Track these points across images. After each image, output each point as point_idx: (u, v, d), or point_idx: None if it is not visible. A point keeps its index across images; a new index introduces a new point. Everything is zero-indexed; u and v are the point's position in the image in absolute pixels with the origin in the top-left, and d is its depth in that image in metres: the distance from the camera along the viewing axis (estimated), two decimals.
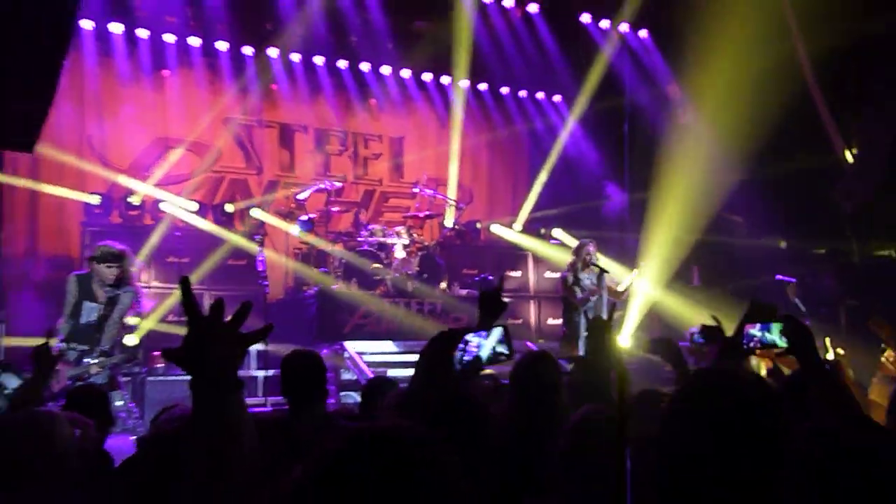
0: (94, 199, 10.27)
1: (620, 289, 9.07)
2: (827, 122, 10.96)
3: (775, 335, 2.73)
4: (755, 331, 2.84)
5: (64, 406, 3.95)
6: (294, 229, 10.75)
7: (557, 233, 12.59)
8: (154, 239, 9.84)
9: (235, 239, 10.50)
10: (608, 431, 2.60)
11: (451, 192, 12.91)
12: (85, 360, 6.02)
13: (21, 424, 2.89)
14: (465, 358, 2.26)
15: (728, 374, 1.56)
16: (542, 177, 13.47)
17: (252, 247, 9.91)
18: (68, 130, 10.80)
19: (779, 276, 10.67)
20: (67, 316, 6.16)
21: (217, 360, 1.53)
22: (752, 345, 2.86)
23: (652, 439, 1.56)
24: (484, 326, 2.69)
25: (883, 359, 6.12)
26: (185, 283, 1.57)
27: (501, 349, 2.37)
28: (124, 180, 11.09)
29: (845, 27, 9.91)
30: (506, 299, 2.83)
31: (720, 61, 10.55)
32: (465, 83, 13.39)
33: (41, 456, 2.69)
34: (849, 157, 10.67)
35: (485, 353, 2.32)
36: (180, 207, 10.80)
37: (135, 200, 10.49)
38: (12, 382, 6.02)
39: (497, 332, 2.39)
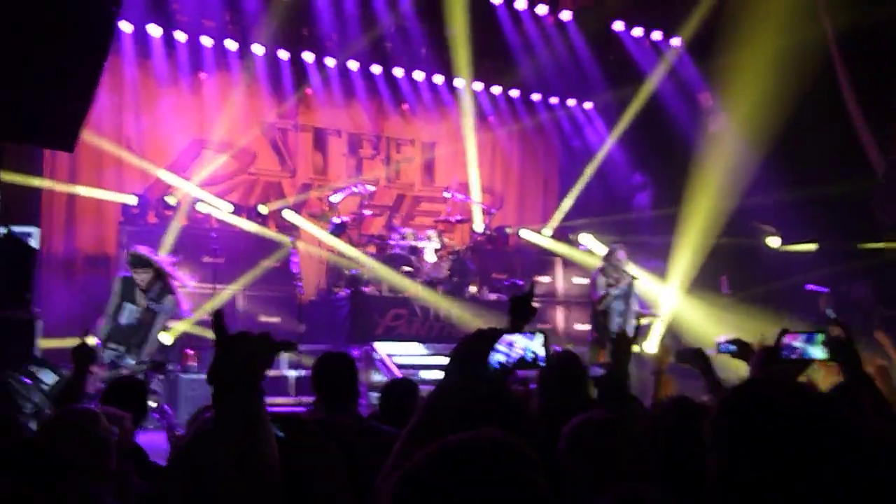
0: (132, 200, 10.47)
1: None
2: (862, 132, 10.86)
3: (817, 346, 2.71)
4: (798, 342, 2.81)
5: (103, 398, 4.06)
6: (324, 233, 10.88)
7: (586, 238, 12.57)
8: (171, 236, 9.90)
9: (270, 235, 10.66)
10: (603, 435, 2.63)
11: (475, 195, 12.92)
12: (120, 363, 6.14)
13: (65, 422, 2.98)
14: (504, 359, 2.26)
15: (780, 384, 1.52)
16: (580, 185, 13.46)
17: (284, 240, 10.01)
18: (107, 132, 11.01)
19: (809, 287, 10.57)
20: (109, 316, 6.29)
21: (244, 359, 1.59)
22: (793, 356, 2.83)
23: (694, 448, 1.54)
24: (513, 331, 2.71)
25: None
26: (218, 317, 1.65)
27: (541, 354, 2.37)
28: (164, 174, 11.27)
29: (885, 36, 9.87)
30: (536, 304, 2.86)
31: (754, 69, 10.52)
32: (497, 89, 13.46)
33: (83, 453, 2.77)
34: (883, 167, 10.56)
35: (529, 356, 2.32)
36: (216, 207, 10.96)
37: (171, 201, 10.65)
38: (49, 378, 6.17)
39: (540, 338, 2.37)
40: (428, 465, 1.26)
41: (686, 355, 3.91)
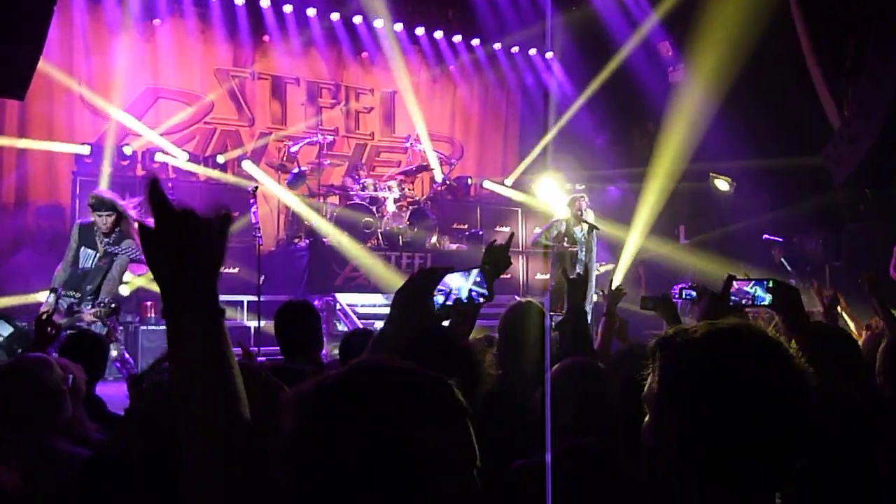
0: (84, 150, 10.20)
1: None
2: (822, 90, 10.98)
3: (766, 293, 2.73)
4: (749, 287, 2.82)
5: (60, 350, 4.02)
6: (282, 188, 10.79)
7: (547, 183, 12.60)
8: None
9: (231, 181, 10.58)
10: (584, 384, 2.68)
11: (427, 144, 12.83)
12: (77, 309, 6.08)
13: (16, 370, 2.96)
14: (444, 300, 2.21)
15: (730, 329, 1.41)
16: (547, 138, 13.39)
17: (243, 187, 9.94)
18: (57, 79, 10.72)
19: (766, 236, 10.79)
20: (66, 262, 6.22)
21: (197, 269, 1.30)
22: (744, 301, 2.84)
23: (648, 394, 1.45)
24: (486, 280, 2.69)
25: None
26: (155, 185, 1.33)
27: (480, 290, 2.34)
28: (122, 116, 11.00)
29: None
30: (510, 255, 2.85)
31: (716, 24, 10.57)
32: (458, 38, 13.35)
33: (33, 400, 2.76)
34: (837, 120, 10.71)
35: (464, 294, 2.29)
36: (173, 157, 10.78)
37: (127, 150, 10.44)
38: (4, 330, 6.10)
39: (474, 273, 2.25)
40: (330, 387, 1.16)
41: (651, 302, 3.97)
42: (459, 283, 2.20)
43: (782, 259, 10.69)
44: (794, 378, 1.36)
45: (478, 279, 2.25)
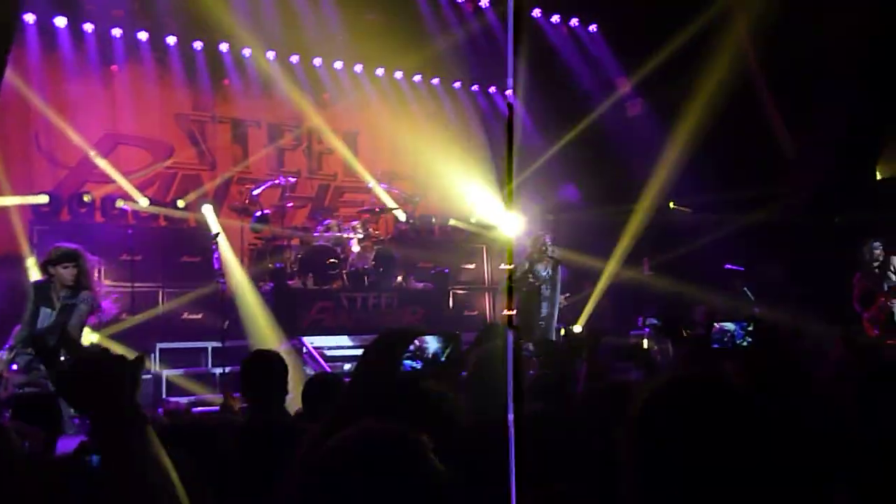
0: (42, 199, 10.03)
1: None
2: (775, 121, 11.25)
3: (745, 334, 2.69)
4: (730, 325, 2.77)
5: (11, 415, 3.90)
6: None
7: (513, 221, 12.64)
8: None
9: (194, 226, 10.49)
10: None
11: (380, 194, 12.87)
12: (33, 366, 5.94)
13: None
14: (411, 362, 2.13)
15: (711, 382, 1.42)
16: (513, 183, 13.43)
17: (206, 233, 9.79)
18: (13, 129, 10.59)
19: (727, 266, 10.92)
20: (25, 322, 6.10)
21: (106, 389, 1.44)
22: (725, 341, 2.79)
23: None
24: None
25: None
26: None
27: (447, 357, 2.26)
28: (98, 161, 10.89)
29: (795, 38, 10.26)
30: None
31: (672, 61, 10.82)
32: (418, 77, 13.45)
33: None
34: (792, 151, 10.96)
35: (432, 352, 2.22)
36: (135, 202, 10.66)
37: (86, 198, 10.30)
38: None
39: (443, 338, 2.18)
40: (320, 463, 1.31)
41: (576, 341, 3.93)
42: (432, 346, 2.14)
43: (744, 288, 10.81)
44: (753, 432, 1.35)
45: (446, 345, 2.18)
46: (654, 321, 4.01)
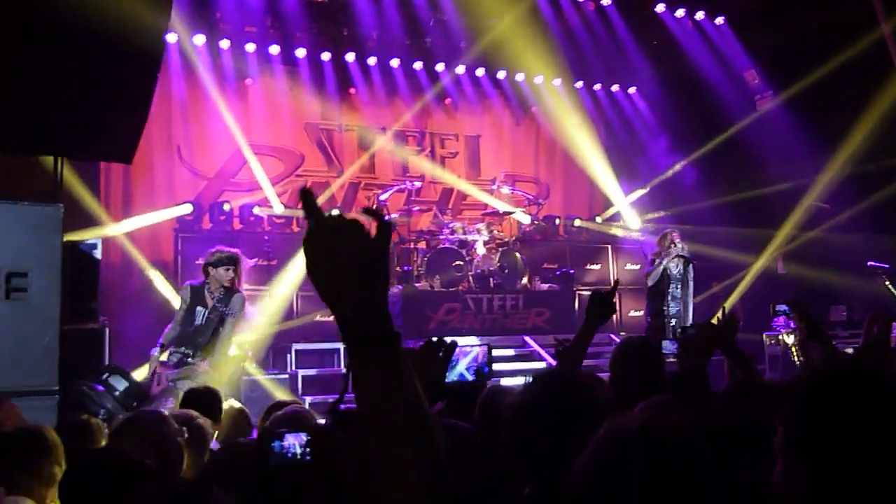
0: (186, 209, 10.59)
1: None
2: None
3: None
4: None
5: (181, 404, 4.19)
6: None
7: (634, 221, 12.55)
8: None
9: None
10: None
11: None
12: (186, 361, 6.30)
13: (132, 425, 3.08)
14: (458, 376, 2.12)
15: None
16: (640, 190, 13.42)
17: None
18: (158, 142, 11.25)
19: (871, 263, 10.40)
20: (176, 322, 6.45)
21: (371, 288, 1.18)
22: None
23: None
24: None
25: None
26: (307, 193, 1.20)
27: (474, 373, 2.25)
28: (264, 184, 11.55)
29: None
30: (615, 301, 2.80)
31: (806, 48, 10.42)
32: (539, 79, 13.44)
33: (151, 454, 2.86)
34: None
35: (459, 371, 2.21)
36: (271, 209, 11.18)
37: (226, 207, 10.84)
38: (120, 385, 6.36)
39: (476, 352, 2.25)
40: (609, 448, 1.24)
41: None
42: (464, 361, 2.16)
43: (887, 283, 10.26)
44: None
45: (480, 358, 2.20)
46: (786, 308, 3.83)
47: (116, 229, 10.35)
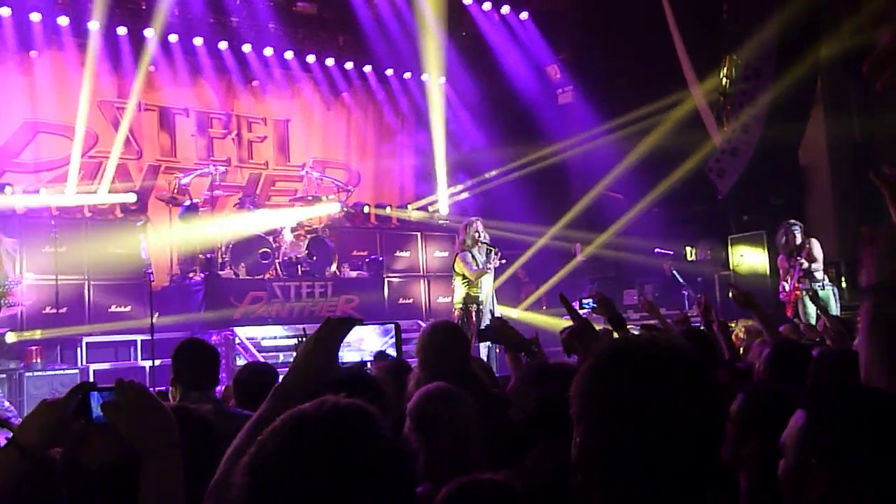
0: None
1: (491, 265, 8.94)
2: (702, 109, 11.51)
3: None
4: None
5: None
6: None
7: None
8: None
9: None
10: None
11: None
12: None
13: None
14: (349, 354, 2.10)
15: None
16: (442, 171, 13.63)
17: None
18: None
19: (657, 250, 11.15)
20: None
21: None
22: None
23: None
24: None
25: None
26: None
27: (390, 350, 2.24)
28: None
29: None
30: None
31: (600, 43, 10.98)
32: (349, 65, 13.36)
33: None
34: (721, 136, 11.22)
35: (374, 349, 2.20)
36: (58, 194, 10.37)
37: (8, 190, 9.95)
38: None
39: (389, 330, 2.21)
40: (277, 438, 1.30)
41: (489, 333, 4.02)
42: (371, 339, 2.12)
43: (673, 271, 11.05)
44: (700, 388, 1.43)
45: (391, 339, 2.17)
46: (591, 303, 4.02)
47: None
